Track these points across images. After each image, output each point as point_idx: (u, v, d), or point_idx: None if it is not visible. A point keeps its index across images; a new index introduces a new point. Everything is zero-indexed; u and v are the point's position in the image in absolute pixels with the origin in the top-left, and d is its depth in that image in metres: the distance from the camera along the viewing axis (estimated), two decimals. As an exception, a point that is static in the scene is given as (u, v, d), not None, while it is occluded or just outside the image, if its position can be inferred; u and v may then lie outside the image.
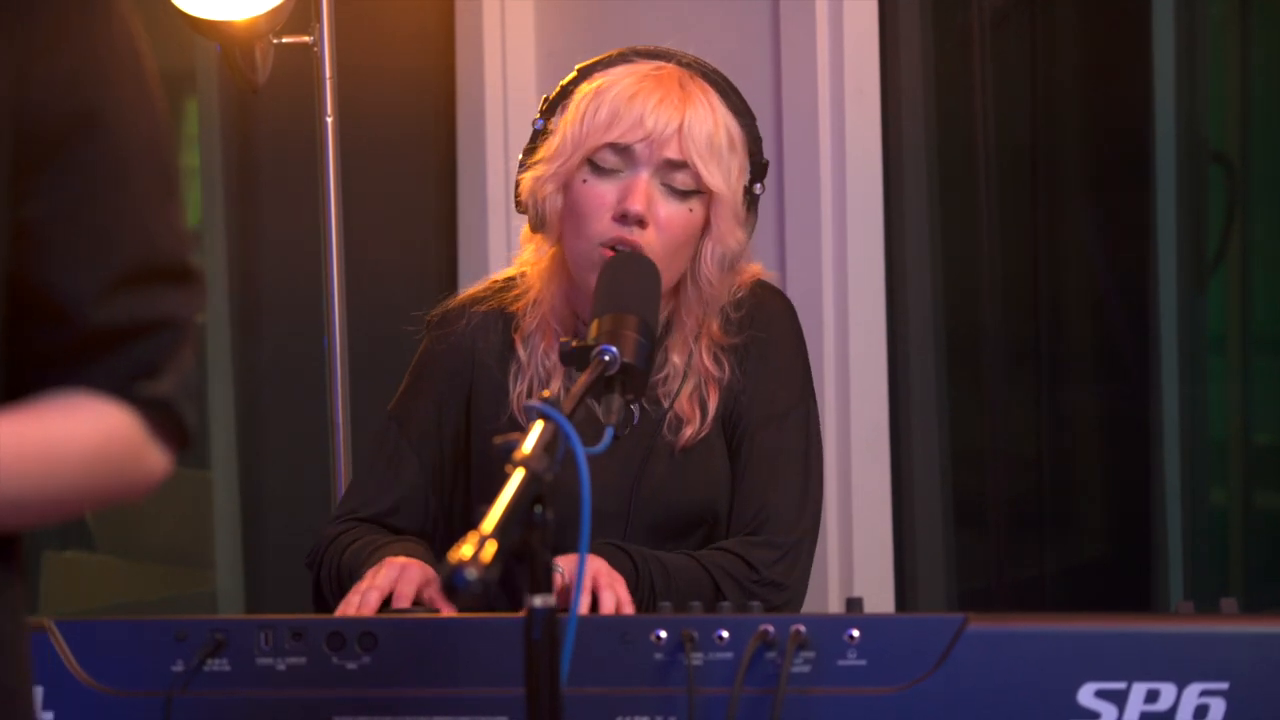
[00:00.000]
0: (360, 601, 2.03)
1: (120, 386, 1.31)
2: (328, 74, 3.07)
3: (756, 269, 2.32)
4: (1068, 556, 3.56)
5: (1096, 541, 3.67)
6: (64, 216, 1.29)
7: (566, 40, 3.50)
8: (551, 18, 3.53)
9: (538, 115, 2.26)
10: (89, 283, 1.29)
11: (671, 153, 2.17)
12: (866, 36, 3.20)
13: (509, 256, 3.43)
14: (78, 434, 1.29)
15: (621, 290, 2.01)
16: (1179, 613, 1.75)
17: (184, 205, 1.38)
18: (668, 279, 2.20)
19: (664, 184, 2.18)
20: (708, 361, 2.25)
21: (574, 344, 1.86)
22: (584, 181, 2.19)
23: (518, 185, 2.25)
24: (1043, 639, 1.70)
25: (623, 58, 2.24)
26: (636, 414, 2.25)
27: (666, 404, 2.25)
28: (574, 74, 2.26)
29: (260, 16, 2.92)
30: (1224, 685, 1.67)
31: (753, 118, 2.25)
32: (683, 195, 2.18)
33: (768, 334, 2.28)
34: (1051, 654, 1.70)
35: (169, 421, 1.33)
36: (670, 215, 2.18)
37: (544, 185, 2.21)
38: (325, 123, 3.08)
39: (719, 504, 2.25)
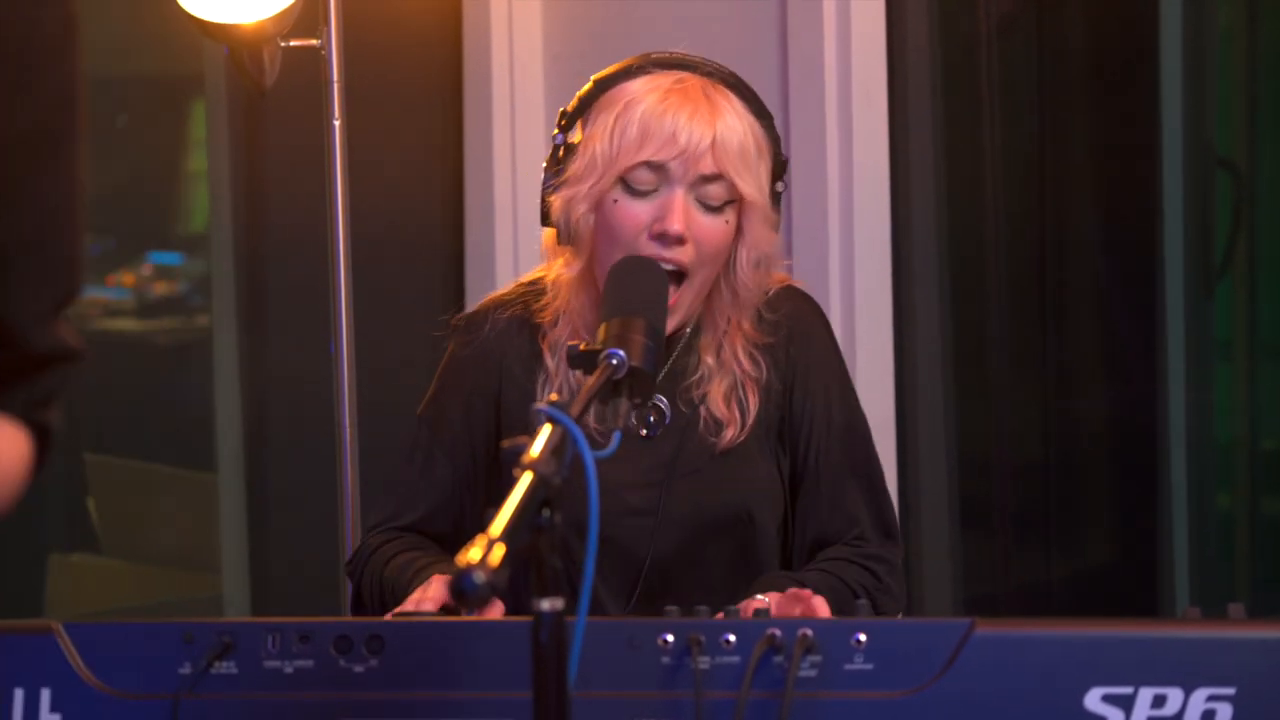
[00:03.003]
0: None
1: (26, 410, 1.33)
2: (335, 77, 3.07)
3: (781, 274, 2.33)
4: (1074, 561, 3.55)
5: (1103, 546, 3.66)
6: (27, 241, 1.31)
7: (574, 43, 3.50)
8: (559, 20, 3.53)
9: (556, 130, 2.24)
10: (35, 309, 1.32)
11: (706, 167, 2.17)
12: (873, 39, 3.20)
13: (515, 262, 3.47)
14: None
15: (629, 294, 2.01)
16: (1186, 618, 1.75)
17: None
18: (703, 288, 2.21)
19: (698, 199, 2.18)
20: (743, 359, 2.26)
21: (581, 347, 1.86)
22: (615, 202, 2.19)
23: (544, 203, 2.24)
24: (1050, 644, 1.70)
25: (641, 69, 2.21)
26: (669, 414, 2.26)
27: (699, 404, 2.25)
28: (590, 85, 2.23)
29: (268, 19, 2.92)
30: (1231, 690, 1.67)
31: (771, 117, 2.25)
32: (717, 209, 2.19)
33: (811, 344, 2.30)
34: (1059, 659, 1.69)
35: (45, 449, 1.35)
36: (707, 230, 2.19)
37: (577, 206, 2.20)
38: (333, 126, 3.08)
39: (755, 508, 2.25)
